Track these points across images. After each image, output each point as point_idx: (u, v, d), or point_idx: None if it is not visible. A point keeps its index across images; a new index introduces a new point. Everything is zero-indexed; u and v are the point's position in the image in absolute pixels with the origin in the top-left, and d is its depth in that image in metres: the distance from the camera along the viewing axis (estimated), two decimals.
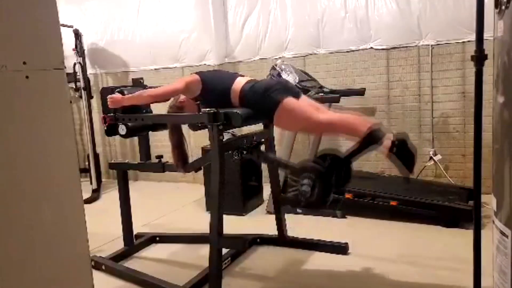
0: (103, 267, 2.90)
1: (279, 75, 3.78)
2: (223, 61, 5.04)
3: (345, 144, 4.54)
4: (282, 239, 3.15)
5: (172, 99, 2.79)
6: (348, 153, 2.39)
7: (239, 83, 2.61)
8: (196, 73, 2.75)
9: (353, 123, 2.39)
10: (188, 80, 2.64)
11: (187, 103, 2.73)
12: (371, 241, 3.18)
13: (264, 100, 2.48)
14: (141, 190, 4.94)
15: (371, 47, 4.36)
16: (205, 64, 4.98)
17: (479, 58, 1.68)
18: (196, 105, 2.62)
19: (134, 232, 3.27)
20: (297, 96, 2.57)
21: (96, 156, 5.19)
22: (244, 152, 2.81)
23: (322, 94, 3.94)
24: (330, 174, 2.36)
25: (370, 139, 2.27)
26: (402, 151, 2.25)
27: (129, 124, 2.79)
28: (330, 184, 2.37)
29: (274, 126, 3.01)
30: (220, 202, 2.43)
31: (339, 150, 2.69)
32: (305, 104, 2.54)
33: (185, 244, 3.34)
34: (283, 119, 2.51)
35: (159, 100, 2.76)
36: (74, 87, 5.12)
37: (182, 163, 2.83)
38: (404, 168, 2.28)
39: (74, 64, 5.03)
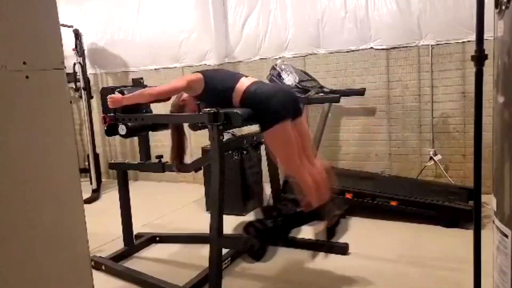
0: (103, 267, 2.90)
1: (279, 75, 3.78)
2: (223, 61, 5.04)
3: (347, 134, 4.55)
4: (282, 239, 3.15)
5: (175, 97, 2.79)
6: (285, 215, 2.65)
7: (243, 83, 2.60)
8: (199, 72, 2.75)
9: (312, 192, 2.56)
10: (191, 79, 2.63)
11: (189, 101, 2.73)
12: (371, 241, 3.18)
13: (263, 110, 2.49)
14: (141, 190, 4.94)
15: (371, 47, 4.36)
16: (205, 64, 4.98)
17: (479, 58, 1.68)
18: (197, 104, 2.63)
19: (134, 232, 3.27)
20: (296, 114, 2.60)
21: (96, 156, 5.19)
22: (244, 152, 2.80)
23: (322, 94, 3.95)
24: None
25: (312, 214, 2.60)
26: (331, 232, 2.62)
27: (129, 124, 2.79)
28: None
29: None
30: (220, 202, 2.43)
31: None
32: (288, 146, 2.54)
33: (185, 244, 3.34)
34: (269, 141, 2.61)
35: (160, 99, 2.75)
36: (74, 87, 5.12)
37: (178, 161, 2.83)
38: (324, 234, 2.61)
39: (74, 64, 5.03)
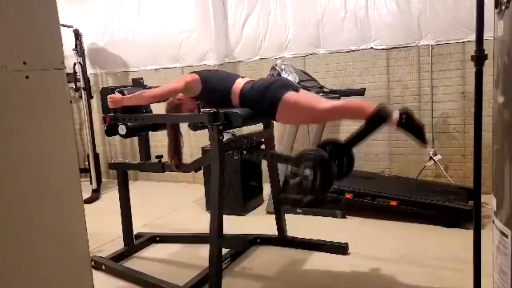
0: (103, 267, 2.90)
1: (279, 75, 3.78)
2: (223, 61, 5.04)
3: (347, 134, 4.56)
4: (282, 239, 3.15)
5: None
6: (349, 138, 2.40)
7: (239, 84, 2.62)
8: (196, 72, 2.75)
9: (358, 105, 2.47)
10: (188, 80, 2.63)
11: (185, 100, 2.73)
12: (371, 241, 3.18)
13: (265, 98, 2.48)
14: (141, 190, 4.93)
15: (371, 47, 4.36)
16: (205, 64, 4.98)
17: (479, 58, 1.68)
18: (195, 103, 2.63)
19: (134, 232, 3.27)
20: (296, 90, 2.58)
21: (96, 156, 5.19)
22: (244, 152, 2.80)
23: (322, 94, 3.94)
24: (330, 160, 2.35)
25: (379, 118, 2.33)
26: (410, 124, 2.35)
27: (129, 124, 2.78)
28: (331, 171, 2.35)
29: (275, 125, 3.02)
30: (220, 202, 2.42)
31: (340, 139, 2.70)
32: (306, 95, 2.57)
33: (185, 244, 3.34)
34: (287, 113, 2.51)
35: (159, 100, 2.76)
36: (74, 87, 5.12)
37: (176, 160, 2.83)
38: (416, 139, 2.37)
39: (74, 64, 5.03)
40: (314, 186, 2.34)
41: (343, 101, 2.51)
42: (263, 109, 2.52)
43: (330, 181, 2.39)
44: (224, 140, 2.50)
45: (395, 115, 2.32)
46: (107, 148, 5.91)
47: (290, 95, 2.46)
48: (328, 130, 4.44)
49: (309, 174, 2.33)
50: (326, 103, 2.50)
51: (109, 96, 2.74)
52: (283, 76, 3.72)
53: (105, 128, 2.84)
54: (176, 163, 2.83)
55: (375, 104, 2.38)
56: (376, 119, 2.31)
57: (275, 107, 2.46)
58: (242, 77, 2.72)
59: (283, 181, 3.66)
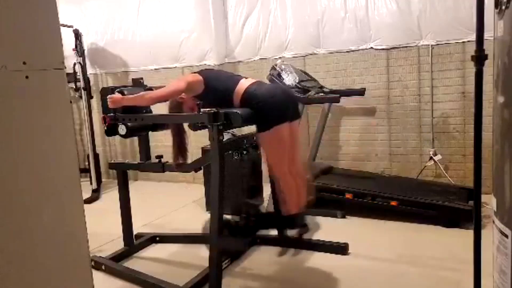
0: (103, 267, 2.90)
1: (279, 75, 3.78)
2: (223, 61, 5.04)
3: (346, 134, 4.55)
4: (282, 239, 3.15)
5: None
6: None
7: (243, 84, 2.63)
8: (198, 72, 2.75)
9: (293, 197, 2.72)
10: (190, 80, 2.64)
11: (187, 99, 2.73)
12: (371, 241, 3.18)
13: (261, 111, 2.52)
14: (141, 190, 4.93)
15: (371, 47, 4.36)
16: (205, 64, 4.98)
17: (479, 58, 1.68)
18: (196, 103, 2.64)
19: (134, 232, 3.27)
20: (294, 117, 2.64)
21: (96, 156, 5.19)
22: (244, 152, 2.81)
23: (322, 94, 3.95)
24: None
25: (286, 220, 2.79)
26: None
27: (129, 124, 2.79)
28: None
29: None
30: (220, 202, 2.43)
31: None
32: (281, 149, 2.63)
33: (185, 244, 3.34)
34: (263, 141, 2.67)
35: (161, 101, 2.76)
36: (74, 87, 5.11)
37: (181, 160, 2.85)
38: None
39: (74, 64, 5.03)
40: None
41: (291, 184, 2.73)
42: (255, 118, 2.56)
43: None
44: (224, 140, 2.50)
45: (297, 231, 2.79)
46: (107, 148, 5.91)
47: (275, 132, 2.54)
48: (329, 130, 4.45)
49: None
50: (281, 171, 2.68)
51: (109, 96, 2.74)
52: (283, 76, 3.72)
53: (105, 128, 2.84)
54: (180, 162, 2.84)
55: (300, 208, 2.76)
56: (281, 220, 2.84)
57: (261, 129, 2.57)
58: (246, 78, 2.72)
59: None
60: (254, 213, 2.78)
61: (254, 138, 2.99)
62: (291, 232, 2.88)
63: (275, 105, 2.51)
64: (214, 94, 2.64)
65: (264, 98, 2.52)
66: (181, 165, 2.85)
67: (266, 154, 2.71)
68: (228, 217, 2.82)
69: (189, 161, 2.97)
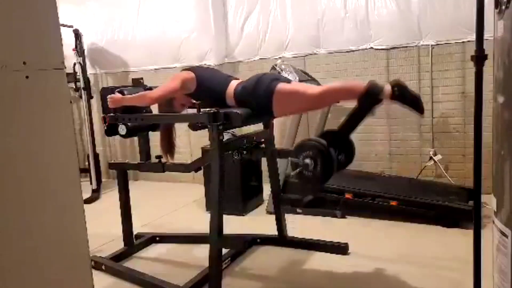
0: (103, 267, 2.89)
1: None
2: (223, 61, 5.04)
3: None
4: (282, 239, 3.15)
5: None
6: (345, 124, 2.39)
7: (232, 86, 2.64)
8: (190, 69, 2.75)
9: (349, 85, 2.56)
10: (184, 78, 2.64)
11: (177, 96, 2.74)
12: (371, 241, 3.18)
13: (259, 93, 2.49)
14: (141, 190, 4.93)
15: (371, 47, 4.35)
16: (205, 64, 4.98)
17: (479, 58, 1.68)
18: (189, 99, 2.64)
19: (134, 232, 3.27)
20: (288, 82, 2.62)
21: (96, 156, 5.19)
22: (244, 152, 2.80)
23: None
24: (329, 148, 2.32)
25: (371, 95, 2.30)
26: (405, 95, 2.33)
27: (129, 124, 2.79)
28: (331, 159, 2.32)
29: (275, 125, 3.02)
30: (220, 202, 2.43)
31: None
32: (297, 84, 2.62)
33: (185, 244, 3.33)
34: (282, 103, 2.51)
35: (161, 101, 2.75)
36: (74, 87, 5.11)
37: (166, 155, 2.89)
38: (413, 109, 2.36)
39: (74, 64, 5.03)
40: (315, 175, 2.32)
41: (334, 83, 2.55)
42: (259, 104, 2.51)
43: (331, 169, 2.35)
44: (224, 140, 2.50)
45: (387, 88, 2.29)
46: (107, 148, 5.90)
47: (282, 85, 2.49)
48: (330, 124, 4.44)
49: (310, 163, 2.32)
50: (317, 88, 2.54)
51: (109, 96, 2.74)
52: (283, 76, 3.72)
53: (105, 128, 2.84)
54: (169, 158, 2.86)
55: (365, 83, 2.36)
56: (368, 96, 2.29)
57: (270, 100, 2.47)
58: (236, 79, 2.73)
59: (283, 181, 3.66)
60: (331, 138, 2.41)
61: (254, 138, 2.98)
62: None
63: (264, 82, 2.51)
64: (206, 93, 2.65)
65: (254, 84, 2.53)
66: (171, 157, 2.90)
67: (295, 106, 2.60)
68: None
69: (189, 161, 2.97)
